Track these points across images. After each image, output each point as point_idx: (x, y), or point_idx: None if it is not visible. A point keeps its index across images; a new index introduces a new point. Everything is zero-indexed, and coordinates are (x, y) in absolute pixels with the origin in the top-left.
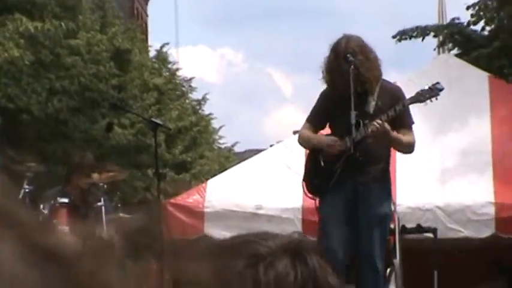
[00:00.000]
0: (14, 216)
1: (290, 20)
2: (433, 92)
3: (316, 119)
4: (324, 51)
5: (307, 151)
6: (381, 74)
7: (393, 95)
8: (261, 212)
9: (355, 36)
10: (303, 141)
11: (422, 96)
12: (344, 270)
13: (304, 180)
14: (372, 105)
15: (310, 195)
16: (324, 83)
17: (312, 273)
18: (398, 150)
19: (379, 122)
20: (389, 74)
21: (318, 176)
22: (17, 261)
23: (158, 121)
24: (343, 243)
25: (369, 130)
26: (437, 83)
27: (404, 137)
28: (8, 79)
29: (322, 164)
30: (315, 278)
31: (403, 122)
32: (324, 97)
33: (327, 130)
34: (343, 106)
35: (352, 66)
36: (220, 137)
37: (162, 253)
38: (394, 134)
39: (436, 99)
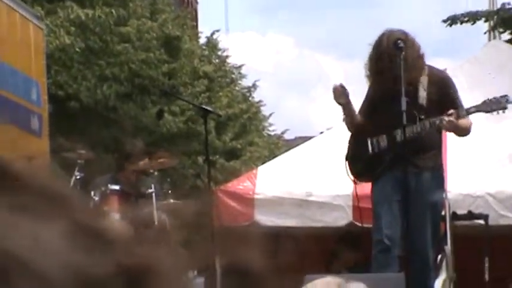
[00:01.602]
0: (65, 198)
1: (339, 7)
2: (501, 104)
3: (367, 112)
4: (374, 37)
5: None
6: (424, 65)
7: (442, 83)
8: (311, 198)
9: (397, 29)
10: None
11: (489, 107)
12: (396, 258)
13: (347, 160)
14: (423, 97)
15: (352, 177)
16: (368, 81)
17: None
18: (456, 135)
19: (451, 119)
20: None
21: (364, 161)
22: (64, 242)
23: (209, 108)
24: (395, 232)
25: (437, 123)
26: (506, 95)
27: (461, 122)
28: (58, 66)
29: (371, 151)
30: None
31: (457, 105)
32: (370, 89)
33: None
34: (391, 97)
35: (402, 53)
36: (270, 124)
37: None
38: (459, 124)
39: (503, 112)
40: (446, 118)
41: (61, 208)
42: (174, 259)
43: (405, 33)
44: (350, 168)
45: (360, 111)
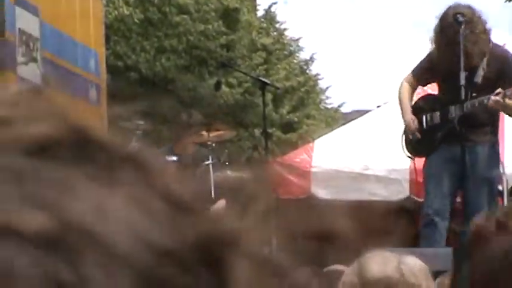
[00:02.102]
0: (142, 163)
1: None
2: None
3: (420, 76)
4: (435, 13)
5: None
6: (488, 42)
7: (502, 60)
8: (368, 172)
9: (463, 3)
10: (399, 96)
11: None
12: (442, 233)
13: (404, 134)
14: (479, 74)
15: (407, 153)
16: (432, 48)
17: None
18: (506, 114)
19: (497, 99)
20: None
21: (418, 136)
22: (135, 210)
23: (266, 80)
24: (443, 207)
25: (485, 102)
26: None
27: (509, 102)
28: (117, 37)
29: (425, 126)
30: None
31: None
32: (431, 56)
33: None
34: (450, 71)
35: (462, 27)
36: (327, 97)
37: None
38: (507, 104)
39: None
40: (493, 97)
41: (135, 173)
42: (257, 231)
43: (470, 8)
44: (405, 143)
45: (413, 73)
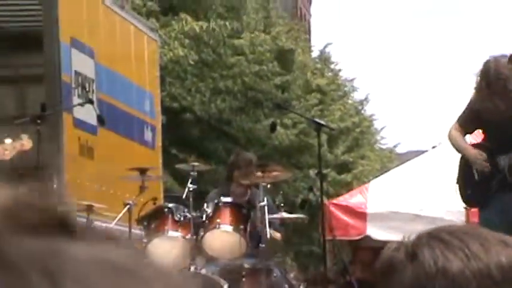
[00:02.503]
0: None
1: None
2: None
3: (467, 124)
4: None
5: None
6: None
7: None
8: (423, 213)
9: (500, 54)
10: (452, 142)
11: None
12: None
13: (457, 184)
14: None
15: (464, 204)
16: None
17: None
18: None
19: None
20: None
21: (472, 187)
22: None
23: (322, 122)
24: None
25: None
26: None
27: None
28: (172, 78)
29: (476, 177)
30: None
31: None
32: (475, 106)
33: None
34: (498, 117)
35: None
36: (382, 138)
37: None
38: None
39: None
40: None
41: None
42: None
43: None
44: (460, 193)
45: (459, 121)
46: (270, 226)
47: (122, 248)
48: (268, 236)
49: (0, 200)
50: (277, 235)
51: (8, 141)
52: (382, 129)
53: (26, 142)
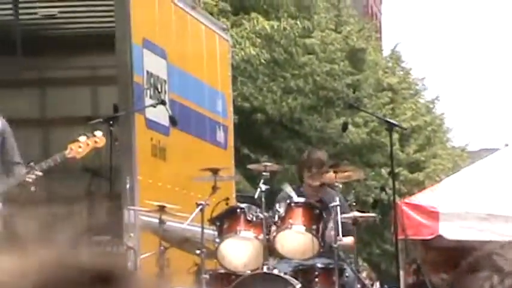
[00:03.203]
0: None
1: None
2: None
3: None
4: None
5: None
6: None
7: None
8: (496, 212)
9: None
10: None
11: None
12: None
13: None
14: None
15: None
16: None
17: None
18: None
19: None
20: None
21: None
22: None
23: (393, 121)
24: None
25: None
26: None
27: None
28: (244, 78)
29: None
30: None
31: None
32: None
33: None
34: None
35: None
36: (454, 136)
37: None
38: None
39: None
40: None
41: None
42: None
43: None
44: None
45: None
46: (342, 228)
47: None
48: (339, 240)
49: (30, 263)
50: (350, 240)
51: (82, 138)
52: (453, 127)
53: (99, 139)
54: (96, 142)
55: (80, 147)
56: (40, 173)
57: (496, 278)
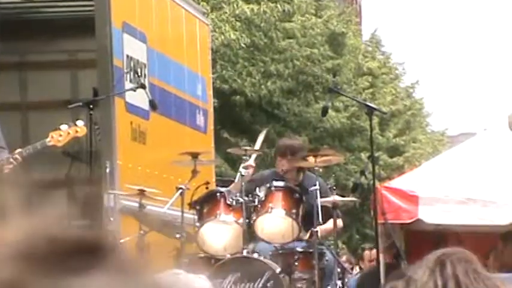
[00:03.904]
0: None
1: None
2: None
3: None
4: None
5: None
6: None
7: None
8: (475, 197)
9: None
10: None
11: None
12: None
13: None
14: None
15: None
16: None
17: None
18: None
19: None
20: None
21: None
22: None
23: (373, 105)
24: None
25: None
26: None
27: None
28: (224, 61)
29: None
30: None
31: None
32: None
33: None
34: None
35: None
36: (433, 121)
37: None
38: None
39: None
40: None
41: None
42: None
43: None
44: None
45: None
46: (334, 212)
47: (142, 281)
48: (321, 222)
49: (14, 233)
50: (340, 223)
51: (64, 127)
52: (433, 112)
53: (80, 128)
54: (76, 132)
55: (60, 135)
56: (20, 160)
57: None
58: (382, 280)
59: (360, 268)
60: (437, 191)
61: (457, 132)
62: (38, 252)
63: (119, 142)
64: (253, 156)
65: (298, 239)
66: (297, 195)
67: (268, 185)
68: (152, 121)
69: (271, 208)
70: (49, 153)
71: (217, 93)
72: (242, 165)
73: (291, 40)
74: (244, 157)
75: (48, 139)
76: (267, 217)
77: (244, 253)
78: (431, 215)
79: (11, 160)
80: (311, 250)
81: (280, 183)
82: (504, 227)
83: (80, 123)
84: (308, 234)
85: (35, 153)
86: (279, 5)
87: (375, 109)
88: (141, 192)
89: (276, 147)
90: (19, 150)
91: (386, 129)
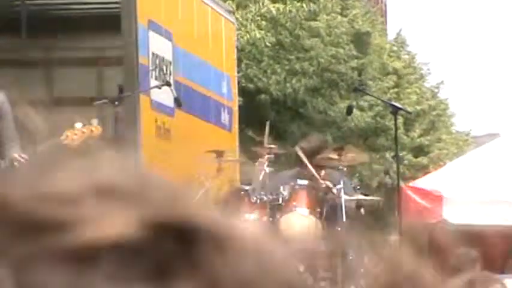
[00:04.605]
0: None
1: None
2: None
3: None
4: None
5: None
6: None
7: None
8: (500, 197)
9: None
10: None
11: None
12: None
13: None
14: None
15: None
16: None
17: None
18: None
19: None
20: None
21: None
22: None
23: (398, 105)
24: None
25: None
26: None
27: None
28: (249, 60)
29: None
30: None
31: None
32: None
33: None
34: None
35: None
36: (459, 121)
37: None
38: None
39: None
40: None
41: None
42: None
43: None
44: None
45: None
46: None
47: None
48: (345, 219)
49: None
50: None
51: (78, 125)
52: (458, 112)
53: (95, 128)
54: (92, 131)
55: (75, 134)
56: (27, 157)
57: None
58: None
59: None
60: (461, 192)
61: (482, 132)
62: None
63: (144, 139)
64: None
65: (322, 238)
66: (321, 194)
67: (292, 183)
68: (177, 118)
69: (295, 207)
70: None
71: (243, 92)
72: (262, 161)
73: (316, 39)
74: (268, 155)
75: (63, 137)
76: (291, 215)
77: None
78: (455, 215)
79: (18, 158)
80: (335, 249)
81: (304, 182)
82: None
83: (94, 122)
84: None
85: (49, 151)
86: (304, 4)
87: (400, 109)
88: None
89: (310, 146)
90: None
91: (411, 129)
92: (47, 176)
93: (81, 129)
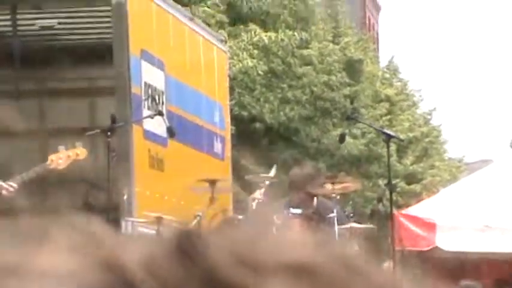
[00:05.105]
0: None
1: None
2: None
3: None
4: None
5: None
6: None
7: None
8: (493, 225)
9: None
10: None
11: None
12: None
13: None
14: None
15: None
16: None
17: None
18: None
19: None
20: None
21: None
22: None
23: (391, 133)
24: None
25: None
26: None
27: None
28: (241, 89)
29: None
30: None
31: None
32: None
33: None
34: None
35: None
36: (451, 148)
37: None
38: None
39: None
40: None
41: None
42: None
43: None
44: None
45: None
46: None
47: None
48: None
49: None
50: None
51: (62, 149)
52: (450, 139)
53: (80, 151)
54: (77, 154)
55: (60, 158)
56: (15, 186)
57: None
58: None
59: None
60: (454, 219)
61: (475, 159)
62: None
63: (137, 169)
64: (267, 183)
65: None
66: (313, 222)
67: (285, 211)
68: (170, 148)
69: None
70: (67, 180)
71: (236, 119)
72: (258, 191)
73: (309, 67)
74: (261, 184)
75: (48, 162)
76: None
77: None
78: (448, 242)
79: (6, 186)
80: None
81: (297, 211)
82: None
83: (78, 145)
84: None
85: (37, 177)
86: (296, 33)
87: (392, 136)
88: (159, 220)
89: (288, 180)
90: (21, 175)
91: (403, 156)
92: (251, 243)
93: (66, 152)
